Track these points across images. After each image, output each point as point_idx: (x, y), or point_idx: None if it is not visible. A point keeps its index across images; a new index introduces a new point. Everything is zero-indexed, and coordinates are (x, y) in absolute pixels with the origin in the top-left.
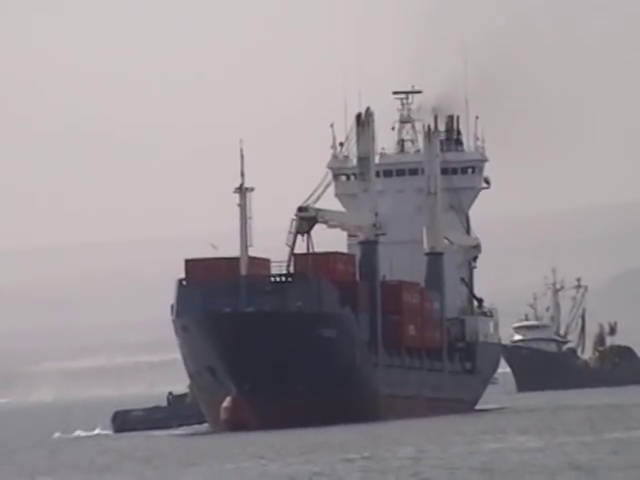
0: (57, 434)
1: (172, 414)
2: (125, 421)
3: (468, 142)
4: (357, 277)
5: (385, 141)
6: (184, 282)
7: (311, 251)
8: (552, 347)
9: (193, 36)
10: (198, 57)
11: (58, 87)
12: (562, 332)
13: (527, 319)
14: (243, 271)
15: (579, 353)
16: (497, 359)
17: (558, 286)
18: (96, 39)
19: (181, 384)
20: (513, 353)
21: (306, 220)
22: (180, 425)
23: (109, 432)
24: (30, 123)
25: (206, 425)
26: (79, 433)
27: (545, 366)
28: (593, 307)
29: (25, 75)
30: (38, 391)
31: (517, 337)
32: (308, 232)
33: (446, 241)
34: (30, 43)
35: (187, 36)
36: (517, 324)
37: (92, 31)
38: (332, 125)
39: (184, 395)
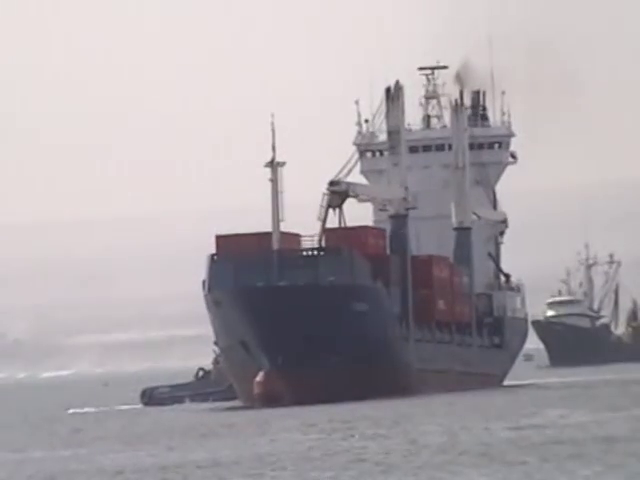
0: (72, 410)
1: (197, 391)
2: (152, 397)
3: (494, 117)
4: (387, 251)
5: (410, 117)
6: (215, 257)
7: (342, 225)
8: (585, 322)
9: (224, 12)
10: (228, 34)
11: (102, 61)
12: (595, 307)
13: (560, 295)
14: (275, 245)
15: (612, 328)
16: (525, 334)
17: (591, 261)
18: (127, 16)
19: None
20: (546, 329)
21: (338, 194)
22: (204, 401)
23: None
24: (67, 97)
25: (237, 400)
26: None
27: (578, 342)
28: (626, 282)
29: (63, 50)
30: (72, 364)
31: (550, 313)
32: (340, 206)
33: (474, 216)
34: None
35: (218, 11)
36: (550, 300)
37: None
38: (357, 102)
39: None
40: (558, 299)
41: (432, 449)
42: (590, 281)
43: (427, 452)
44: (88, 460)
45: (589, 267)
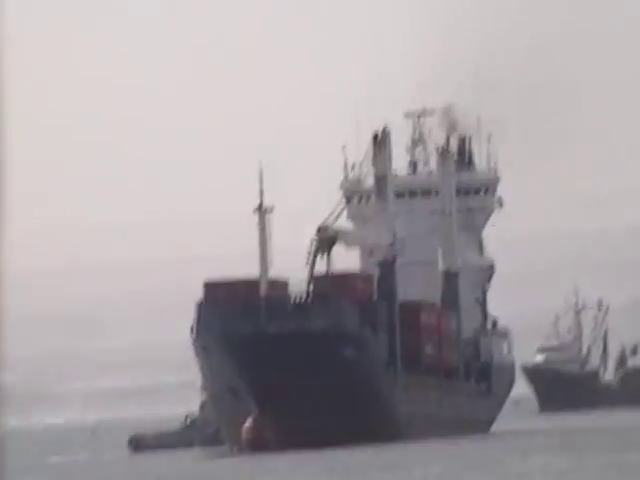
0: (55, 458)
1: (183, 437)
2: (140, 444)
3: (480, 162)
4: (375, 297)
5: (396, 162)
6: (203, 303)
7: (330, 271)
8: (575, 368)
9: (212, 51)
10: (219, 78)
11: (88, 83)
12: (584, 352)
13: (549, 339)
14: (263, 292)
15: (601, 374)
16: (511, 380)
17: (580, 306)
18: (119, 38)
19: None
20: (535, 374)
21: (326, 240)
22: (190, 447)
23: (125, 454)
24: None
25: (222, 446)
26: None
27: (567, 387)
28: (615, 327)
29: (69, 66)
30: (61, 411)
31: (539, 358)
32: (328, 252)
33: (461, 261)
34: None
35: (206, 51)
36: (540, 345)
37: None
38: (344, 147)
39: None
40: (548, 345)
41: None
42: (579, 326)
43: None
44: None
45: (578, 312)
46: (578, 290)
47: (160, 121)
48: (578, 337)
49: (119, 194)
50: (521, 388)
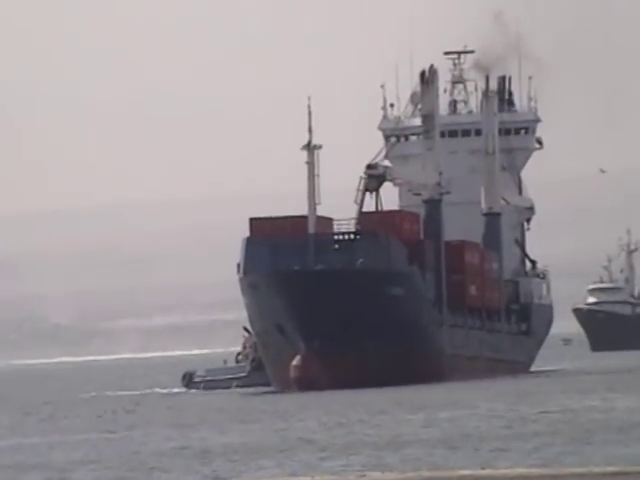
0: (111, 392)
1: (233, 375)
2: (192, 380)
3: (520, 102)
4: (421, 236)
5: None
6: (250, 240)
7: (379, 209)
8: (626, 310)
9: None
10: (263, 20)
11: (124, 50)
12: (636, 294)
13: (602, 281)
14: (311, 229)
15: None
16: (550, 321)
17: (632, 247)
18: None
19: None
20: (587, 316)
21: (375, 177)
22: (240, 386)
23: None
24: (103, 85)
25: (255, 387)
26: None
27: (619, 329)
28: None
29: (95, 34)
30: (116, 348)
31: (591, 299)
32: (377, 190)
33: (503, 202)
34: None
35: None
36: (591, 286)
37: None
38: (383, 86)
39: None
40: (599, 285)
41: (476, 435)
42: (631, 267)
43: (471, 439)
44: (140, 442)
45: (630, 253)
46: (631, 231)
47: (206, 57)
48: (630, 278)
49: (168, 132)
50: (572, 328)
